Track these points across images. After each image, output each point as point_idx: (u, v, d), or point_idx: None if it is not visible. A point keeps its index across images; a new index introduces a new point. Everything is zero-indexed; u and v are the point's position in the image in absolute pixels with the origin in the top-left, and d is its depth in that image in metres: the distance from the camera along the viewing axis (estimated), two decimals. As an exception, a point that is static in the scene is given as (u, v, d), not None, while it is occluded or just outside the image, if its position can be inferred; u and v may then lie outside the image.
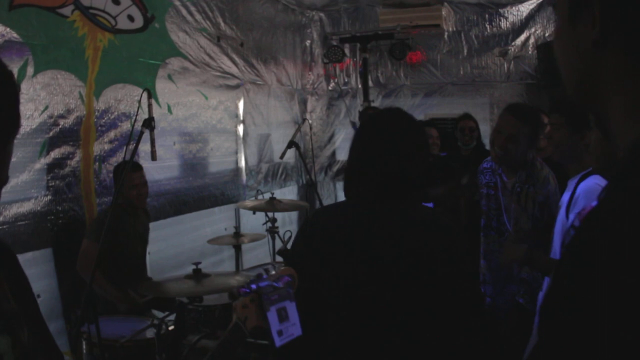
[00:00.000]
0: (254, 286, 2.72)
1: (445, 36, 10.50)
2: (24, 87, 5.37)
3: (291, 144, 7.00)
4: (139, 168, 5.76)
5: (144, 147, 4.94)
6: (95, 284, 5.11)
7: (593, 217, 1.01)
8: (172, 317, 4.82)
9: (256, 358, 4.17)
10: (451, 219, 3.22)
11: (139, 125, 4.71)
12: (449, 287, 2.85)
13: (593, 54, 1.10)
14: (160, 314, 5.23)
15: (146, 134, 4.68)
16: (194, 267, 4.64)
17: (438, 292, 2.83)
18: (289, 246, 6.22)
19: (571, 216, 3.86)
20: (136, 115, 4.87)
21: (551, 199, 4.79)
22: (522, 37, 10.02)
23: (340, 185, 11.46)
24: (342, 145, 11.52)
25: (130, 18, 6.63)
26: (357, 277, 2.97)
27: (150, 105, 4.68)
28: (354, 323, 2.99)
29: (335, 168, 11.65)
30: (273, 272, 2.81)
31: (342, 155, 11.42)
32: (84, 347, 4.32)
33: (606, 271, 0.87)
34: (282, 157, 7.19)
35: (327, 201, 10.43)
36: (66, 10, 5.79)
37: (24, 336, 1.69)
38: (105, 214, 5.55)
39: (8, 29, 5.21)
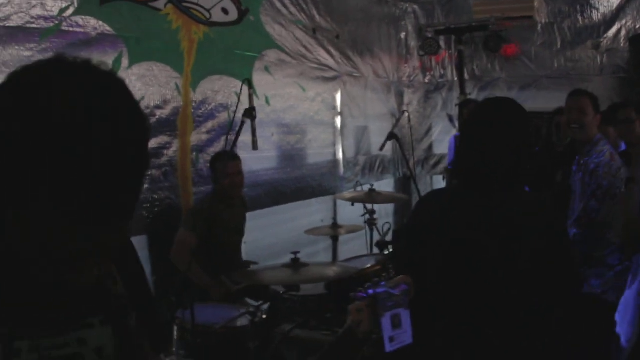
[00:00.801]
0: (370, 291, 2.70)
1: (539, 28, 10.01)
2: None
3: (391, 135, 6.75)
4: (235, 158, 5.56)
5: (243, 137, 4.82)
6: (191, 273, 4.94)
7: None
8: (267, 306, 4.66)
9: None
10: (550, 201, 3.36)
11: (238, 116, 4.65)
12: (551, 270, 2.89)
13: None
14: (254, 303, 5.03)
15: (247, 124, 4.59)
16: (291, 256, 4.39)
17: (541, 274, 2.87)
18: (387, 238, 5.99)
19: None
20: (237, 106, 4.82)
21: (601, 170, 4.97)
22: (614, 29, 9.45)
23: (436, 179, 11.19)
24: (439, 138, 11.16)
25: (225, 11, 6.53)
26: (463, 262, 2.98)
27: (250, 96, 4.61)
28: (462, 307, 2.99)
29: (432, 162, 11.29)
30: (391, 279, 2.73)
31: (440, 149, 11.07)
32: (175, 332, 4.14)
33: None
34: (381, 148, 6.95)
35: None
36: (159, 4, 5.75)
37: (132, 321, 1.57)
38: (201, 203, 5.51)
39: (100, 23, 5.17)
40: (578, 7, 9.70)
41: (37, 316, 1.32)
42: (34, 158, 1.10)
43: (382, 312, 2.59)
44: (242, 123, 4.56)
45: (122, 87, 1.26)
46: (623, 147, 6.35)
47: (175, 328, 4.14)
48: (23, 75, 1.25)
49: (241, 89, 4.65)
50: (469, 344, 2.97)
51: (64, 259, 1.23)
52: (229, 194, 5.69)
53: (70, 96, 1.15)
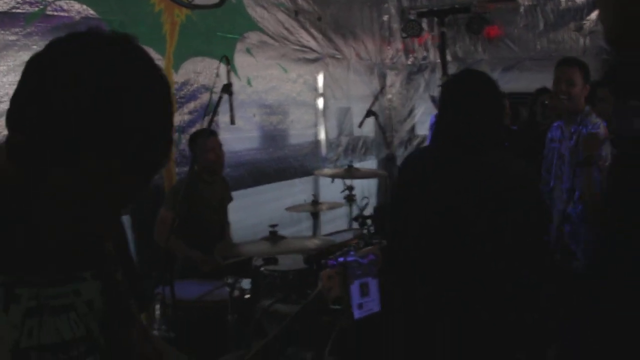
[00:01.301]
0: (341, 259, 2.94)
1: (522, 10, 10.14)
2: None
3: (369, 113, 6.92)
4: (214, 134, 5.71)
5: (223, 118, 4.97)
6: (178, 251, 5.16)
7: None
8: (247, 282, 4.82)
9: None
10: (525, 165, 3.40)
11: (217, 95, 4.82)
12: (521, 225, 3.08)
13: None
14: (233, 278, 5.20)
15: (225, 100, 4.78)
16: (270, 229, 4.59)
17: (511, 229, 3.06)
18: (366, 213, 6.15)
19: None
20: (214, 84, 5.06)
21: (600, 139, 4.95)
22: (597, 11, 9.58)
23: (420, 159, 11.27)
24: (421, 119, 11.30)
25: None
26: (438, 217, 3.20)
27: (228, 72, 4.78)
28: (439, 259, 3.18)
29: (415, 142, 11.43)
30: (361, 249, 2.90)
31: (422, 130, 11.20)
32: (157, 308, 4.27)
33: None
34: (360, 125, 7.12)
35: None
36: None
37: (119, 277, 1.72)
38: (181, 182, 5.56)
39: (84, 6, 5.26)
40: (561, -11, 9.80)
41: (39, 267, 1.47)
42: (86, 122, 1.26)
43: (351, 280, 2.77)
44: (220, 98, 4.71)
45: (146, 57, 1.43)
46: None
47: (157, 304, 4.29)
48: (67, 48, 1.37)
49: (219, 67, 4.80)
50: (456, 315, 3.10)
51: (100, 214, 1.41)
52: (212, 169, 5.82)
53: (109, 71, 1.31)
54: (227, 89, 4.72)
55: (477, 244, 3.06)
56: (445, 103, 3.50)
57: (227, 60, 4.78)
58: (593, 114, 5.18)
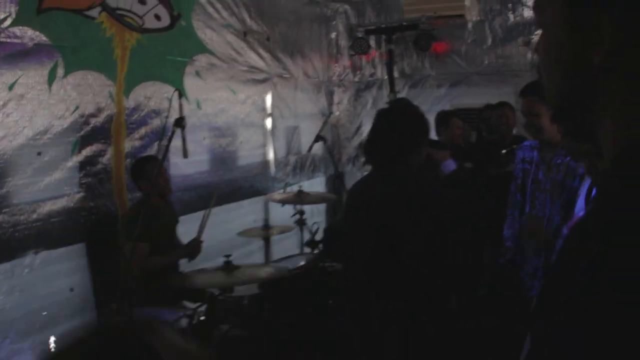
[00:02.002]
0: None
1: (470, 26, 10.41)
2: (55, 88, 5.49)
3: (318, 137, 7.11)
4: (153, 159, 5.85)
5: (175, 142, 5.09)
6: (159, 264, 5.58)
7: (580, 228, 1.03)
8: (204, 307, 4.93)
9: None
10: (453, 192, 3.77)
11: (169, 123, 4.94)
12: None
13: (594, 73, 1.07)
14: (191, 305, 5.35)
15: (177, 133, 4.88)
16: (224, 259, 4.75)
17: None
18: (317, 237, 6.34)
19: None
20: (168, 113, 5.09)
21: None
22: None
23: (369, 176, 11.47)
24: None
25: (157, 17, 6.71)
26: (377, 237, 3.49)
27: (181, 105, 4.88)
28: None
29: (362, 159, 11.60)
30: None
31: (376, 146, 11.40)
32: None
33: (592, 290, 0.88)
34: (309, 150, 7.30)
35: (355, 191, 10.50)
36: (93, 12, 5.89)
37: None
38: (136, 209, 5.70)
39: (37, 33, 5.32)
40: (509, 5, 10.09)
41: None
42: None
43: None
44: (173, 132, 4.83)
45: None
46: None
47: None
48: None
49: (172, 96, 4.92)
50: (403, 326, 3.33)
51: None
52: (164, 193, 5.99)
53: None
54: (180, 122, 4.82)
55: (414, 262, 3.31)
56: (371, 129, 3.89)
57: (180, 92, 4.88)
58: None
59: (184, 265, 6.20)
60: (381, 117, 3.90)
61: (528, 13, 9.95)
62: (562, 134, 4.73)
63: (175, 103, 4.87)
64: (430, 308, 3.30)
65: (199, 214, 6.96)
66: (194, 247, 6.05)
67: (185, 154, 5.03)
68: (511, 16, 10.13)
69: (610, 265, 0.86)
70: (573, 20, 1.07)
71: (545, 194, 5.12)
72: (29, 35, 5.26)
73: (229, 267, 4.71)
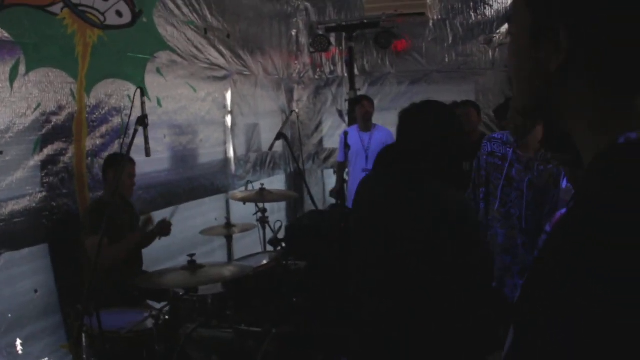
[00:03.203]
0: None
1: (431, 24, 10.55)
2: (17, 85, 5.46)
3: (279, 135, 7.15)
4: (133, 162, 5.87)
5: (137, 140, 5.10)
6: (119, 252, 5.57)
7: (561, 225, 1.10)
8: (168, 307, 4.92)
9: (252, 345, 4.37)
10: (460, 194, 3.70)
11: (130, 120, 4.95)
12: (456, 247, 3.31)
13: (555, 76, 1.18)
14: (155, 305, 5.39)
15: (139, 132, 4.85)
16: (188, 258, 4.78)
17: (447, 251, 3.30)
18: (279, 236, 6.39)
19: None
20: (130, 111, 5.13)
21: (558, 178, 5.00)
22: (507, 25, 9.98)
23: (327, 173, 11.67)
24: (329, 133, 11.66)
25: (119, 13, 6.71)
26: (380, 239, 3.48)
27: (143, 104, 4.84)
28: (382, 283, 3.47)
29: (322, 156, 11.78)
30: None
31: (330, 143, 11.59)
32: (84, 340, 4.40)
33: (572, 282, 0.95)
34: (270, 148, 7.34)
35: (314, 189, 10.58)
36: (55, 8, 5.87)
37: None
38: (97, 204, 5.75)
39: (0, 30, 5.29)
40: (471, 4, 10.29)
41: None
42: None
43: None
44: (135, 131, 4.84)
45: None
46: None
47: (84, 335, 4.39)
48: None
49: (134, 95, 4.92)
50: (405, 325, 3.37)
51: None
52: (126, 194, 6.02)
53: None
54: (142, 121, 4.82)
55: (414, 260, 3.34)
56: (402, 129, 3.75)
57: (142, 91, 4.89)
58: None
59: (148, 264, 6.24)
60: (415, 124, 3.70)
61: (490, 12, 10.09)
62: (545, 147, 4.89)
63: (137, 101, 4.87)
64: (431, 307, 3.35)
65: (160, 213, 7.01)
66: (163, 227, 6.12)
67: (147, 153, 5.01)
68: (473, 15, 10.28)
69: (587, 260, 0.95)
70: (536, 31, 1.19)
71: (519, 193, 5.21)
72: None
73: (193, 266, 4.73)
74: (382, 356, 3.51)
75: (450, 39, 10.48)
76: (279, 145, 9.96)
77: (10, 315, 5.35)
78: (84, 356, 4.44)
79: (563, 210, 1.92)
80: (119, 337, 4.51)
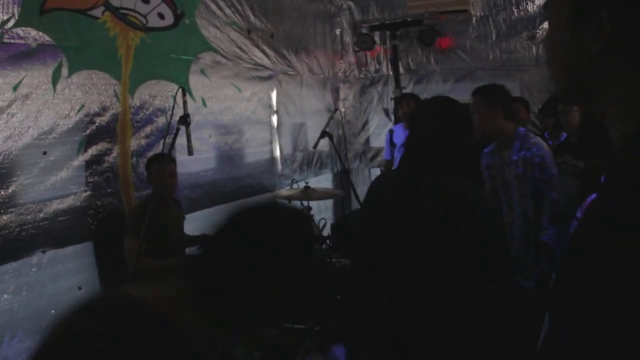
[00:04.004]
0: None
1: (474, 21, 10.36)
2: (60, 87, 5.46)
3: (324, 134, 7.05)
4: (171, 160, 5.82)
5: (180, 140, 5.09)
6: (151, 268, 5.35)
7: (594, 209, 1.05)
8: None
9: (293, 342, 4.27)
10: (472, 188, 3.53)
11: (174, 120, 4.93)
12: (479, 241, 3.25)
13: (595, 59, 1.14)
14: None
15: (182, 130, 4.85)
16: None
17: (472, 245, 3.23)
18: (323, 233, 6.30)
19: None
20: (172, 110, 5.13)
21: (548, 160, 5.08)
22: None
23: (374, 172, 11.52)
24: (375, 132, 11.52)
25: (161, 16, 6.69)
26: (407, 234, 3.38)
27: (185, 103, 4.85)
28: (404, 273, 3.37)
29: (369, 155, 11.65)
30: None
31: (377, 142, 11.44)
32: None
33: (608, 264, 0.91)
34: (315, 146, 7.24)
35: (361, 189, 10.42)
36: (97, 12, 5.87)
37: None
38: (140, 207, 5.65)
39: (40, 33, 5.29)
40: (513, 0, 10.04)
41: None
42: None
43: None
44: (178, 130, 4.81)
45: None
46: (564, 136, 6.77)
47: None
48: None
49: (176, 94, 4.89)
50: (413, 325, 3.31)
51: None
52: (168, 193, 5.92)
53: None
54: (184, 120, 4.81)
55: (417, 259, 3.28)
56: (410, 128, 3.72)
57: (184, 90, 4.86)
58: (530, 134, 5.25)
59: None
60: (429, 120, 3.63)
61: (532, 7, 9.89)
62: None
63: (179, 101, 4.85)
64: (436, 305, 3.28)
65: (206, 212, 6.95)
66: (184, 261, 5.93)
67: (190, 152, 5.01)
68: (515, 11, 10.05)
69: (618, 246, 0.91)
70: (576, 12, 1.16)
71: (513, 191, 5.23)
72: (32, 35, 5.23)
73: None
74: (391, 354, 3.45)
75: (494, 35, 10.27)
76: (326, 145, 9.89)
77: (53, 312, 5.33)
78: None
79: (594, 196, 1.82)
80: None
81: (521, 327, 3.94)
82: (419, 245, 3.29)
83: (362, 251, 3.65)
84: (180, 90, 4.88)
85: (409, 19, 10.37)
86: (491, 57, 10.36)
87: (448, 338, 3.25)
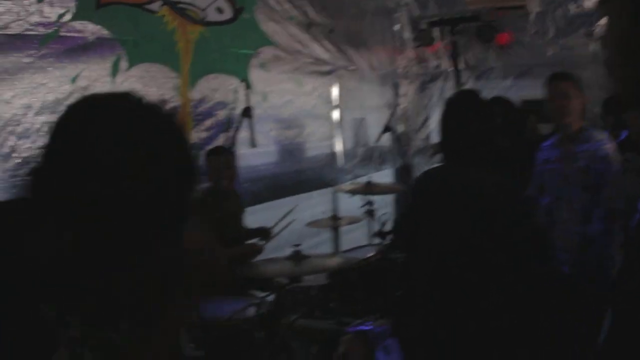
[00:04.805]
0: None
1: (531, 17, 10.00)
2: (119, 80, 5.41)
3: (386, 128, 6.87)
4: (227, 153, 5.70)
5: (241, 134, 4.97)
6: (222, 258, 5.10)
7: None
8: (271, 297, 4.87)
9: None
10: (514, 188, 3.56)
11: (235, 114, 4.81)
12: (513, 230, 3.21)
13: None
14: (259, 294, 5.17)
15: (244, 123, 4.99)
16: (293, 249, 4.62)
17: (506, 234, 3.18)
18: (385, 228, 6.08)
19: None
20: (234, 104, 5.07)
21: (612, 154, 4.92)
22: (606, 17, 9.44)
23: (436, 168, 11.16)
24: (436, 128, 11.16)
25: (219, 10, 6.62)
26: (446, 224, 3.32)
27: (247, 95, 4.94)
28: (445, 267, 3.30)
29: (430, 151, 11.33)
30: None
31: (437, 139, 11.09)
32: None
33: None
34: (377, 140, 7.12)
35: (423, 183, 10.23)
36: (154, 6, 5.83)
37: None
38: (198, 200, 5.57)
39: (98, 27, 5.25)
40: (570, -4, 9.70)
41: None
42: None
43: (374, 346, 3.00)
44: (240, 122, 4.69)
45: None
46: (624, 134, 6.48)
47: None
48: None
49: (238, 87, 4.76)
50: (449, 325, 3.22)
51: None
52: (224, 187, 5.79)
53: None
54: (247, 112, 4.74)
55: (460, 258, 3.21)
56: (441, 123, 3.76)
57: (246, 83, 4.75)
58: (592, 129, 5.12)
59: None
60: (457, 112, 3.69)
61: (589, 3, 9.53)
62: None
63: (241, 94, 4.73)
64: (470, 304, 3.24)
65: (266, 205, 6.80)
66: (255, 249, 5.84)
67: (253, 143, 4.93)
68: (572, 7, 9.70)
69: None
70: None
71: (573, 185, 5.01)
72: (90, 29, 5.19)
73: (298, 256, 4.59)
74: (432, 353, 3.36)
75: (552, 32, 9.90)
76: (387, 140, 9.71)
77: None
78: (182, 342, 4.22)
79: None
80: (217, 324, 4.35)
81: (559, 323, 3.81)
82: (454, 245, 3.23)
83: (406, 249, 3.74)
84: (242, 83, 4.77)
85: (467, 15, 10.11)
86: (549, 54, 9.98)
87: (482, 338, 3.17)
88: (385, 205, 9.25)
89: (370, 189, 6.60)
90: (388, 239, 6.01)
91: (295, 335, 4.37)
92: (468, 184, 3.30)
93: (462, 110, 3.60)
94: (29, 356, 1.30)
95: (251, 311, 4.47)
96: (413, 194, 3.70)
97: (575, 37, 9.74)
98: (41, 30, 4.81)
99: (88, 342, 1.42)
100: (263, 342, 4.30)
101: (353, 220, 6.61)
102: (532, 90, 9.79)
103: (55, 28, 4.91)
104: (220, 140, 6.29)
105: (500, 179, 3.37)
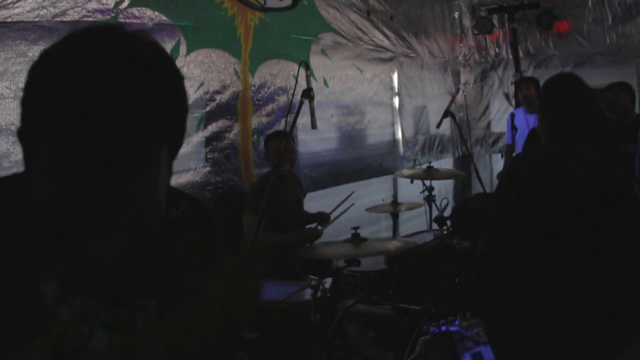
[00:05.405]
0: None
1: (590, 4, 9.63)
2: (178, 65, 5.11)
3: (447, 113, 6.63)
4: (287, 136, 5.56)
5: (302, 120, 4.98)
6: (270, 243, 5.20)
7: None
8: (329, 281, 4.65)
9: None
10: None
11: (296, 99, 4.76)
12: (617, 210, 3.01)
13: None
14: (316, 278, 5.03)
15: (305, 105, 4.69)
16: (352, 231, 4.43)
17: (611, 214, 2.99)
18: (445, 214, 5.89)
19: None
20: (295, 88, 4.92)
21: None
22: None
23: (495, 157, 10.94)
24: (496, 116, 10.91)
25: None
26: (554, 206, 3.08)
27: (308, 77, 4.68)
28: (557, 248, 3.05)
29: (490, 140, 11.03)
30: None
31: (497, 127, 10.82)
32: None
33: None
34: (438, 126, 6.84)
35: (483, 173, 9.93)
36: None
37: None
38: (258, 183, 5.52)
39: (157, 13, 5.15)
40: (627, -17, 9.33)
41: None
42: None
43: (461, 352, 2.67)
44: (301, 104, 4.62)
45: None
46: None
47: None
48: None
49: (298, 71, 4.65)
50: (564, 305, 3.00)
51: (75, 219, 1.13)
52: (285, 171, 5.63)
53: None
54: (308, 94, 4.65)
55: (575, 238, 3.01)
56: (544, 107, 3.44)
57: (307, 65, 4.63)
58: None
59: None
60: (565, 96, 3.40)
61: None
62: None
63: (302, 78, 4.61)
64: (583, 289, 3.00)
65: (326, 191, 6.68)
66: (314, 234, 5.70)
67: (313, 125, 4.83)
68: (629, -6, 9.33)
69: None
70: None
71: None
72: (148, 15, 5.08)
73: (356, 239, 4.37)
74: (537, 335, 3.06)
75: (610, 19, 9.52)
76: (447, 129, 9.55)
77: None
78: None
79: None
80: (273, 306, 4.18)
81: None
82: (570, 224, 2.99)
83: (499, 233, 3.29)
84: (302, 64, 4.64)
85: (526, 2, 9.88)
86: (608, 42, 9.61)
87: (597, 319, 2.92)
88: (445, 192, 9.07)
89: (430, 174, 6.37)
90: (447, 224, 5.83)
91: (351, 320, 4.18)
92: (590, 166, 3.12)
93: (577, 92, 3.36)
94: (18, 333, 1.15)
95: (307, 294, 4.31)
96: (512, 179, 3.40)
97: (632, 25, 9.41)
98: (99, 17, 4.70)
99: (103, 321, 1.27)
100: (318, 326, 4.08)
101: (413, 206, 6.39)
102: (590, 78, 9.46)
103: (113, 15, 4.80)
104: (280, 125, 6.16)
105: (611, 161, 3.23)
